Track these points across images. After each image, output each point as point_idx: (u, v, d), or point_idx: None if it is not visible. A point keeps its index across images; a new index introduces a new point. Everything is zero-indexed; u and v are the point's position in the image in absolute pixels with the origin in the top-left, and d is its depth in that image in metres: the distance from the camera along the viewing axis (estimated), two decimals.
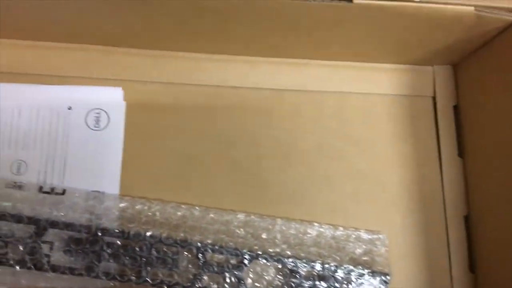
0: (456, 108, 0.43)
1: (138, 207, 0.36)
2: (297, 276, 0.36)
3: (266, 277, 0.36)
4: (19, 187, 0.35)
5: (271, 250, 0.37)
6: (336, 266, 0.36)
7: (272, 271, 0.36)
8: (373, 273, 0.37)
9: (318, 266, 0.36)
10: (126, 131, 0.39)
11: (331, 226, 0.39)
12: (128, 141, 0.39)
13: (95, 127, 0.37)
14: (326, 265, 0.36)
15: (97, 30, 0.38)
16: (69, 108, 0.37)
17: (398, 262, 0.39)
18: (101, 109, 0.37)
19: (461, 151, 0.42)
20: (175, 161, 0.39)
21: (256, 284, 0.36)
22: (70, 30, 0.38)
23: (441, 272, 0.40)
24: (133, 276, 0.34)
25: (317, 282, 0.36)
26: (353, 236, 0.39)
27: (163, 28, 0.37)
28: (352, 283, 0.36)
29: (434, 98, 0.43)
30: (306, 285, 0.36)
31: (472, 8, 0.34)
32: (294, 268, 0.36)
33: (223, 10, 0.34)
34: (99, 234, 0.34)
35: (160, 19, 0.36)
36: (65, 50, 0.40)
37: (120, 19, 0.36)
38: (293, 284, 0.36)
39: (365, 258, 0.38)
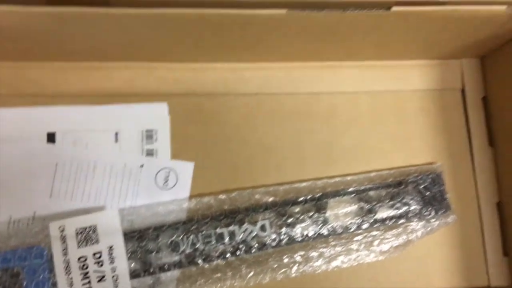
0: (484, 100, 0.45)
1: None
2: None
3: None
4: None
5: None
6: None
7: None
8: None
9: None
10: (172, 142, 0.41)
11: None
12: (176, 153, 0.41)
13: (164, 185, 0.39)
14: None
15: (139, 48, 0.39)
16: (141, 167, 0.39)
17: (434, 248, 0.42)
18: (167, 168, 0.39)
19: (491, 141, 0.44)
20: (221, 169, 0.41)
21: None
22: (113, 50, 0.40)
23: (476, 256, 0.43)
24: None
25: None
26: None
27: (202, 42, 0.39)
28: None
29: (463, 91, 0.45)
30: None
31: (504, 7, 0.35)
32: None
33: (263, 23, 0.35)
34: None
35: (201, 34, 0.37)
36: (109, 68, 0.42)
37: (161, 37, 0.37)
38: None
39: None
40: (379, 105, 0.44)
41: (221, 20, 0.35)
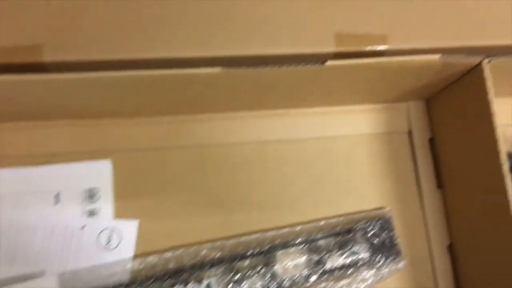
0: (431, 141, 0.45)
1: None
2: None
3: None
4: None
5: None
6: None
7: None
8: None
9: None
10: (116, 200, 0.40)
11: None
12: (120, 210, 0.40)
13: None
14: None
15: (80, 107, 0.39)
16: (82, 228, 0.38)
17: None
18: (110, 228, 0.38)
19: (440, 183, 0.44)
20: (167, 225, 0.40)
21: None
22: (53, 109, 0.39)
23: None
24: None
25: None
26: None
27: (143, 99, 0.38)
28: None
29: (410, 133, 0.46)
30: None
31: (438, 56, 0.36)
32: None
33: (200, 81, 0.35)
34: None
35: (141, 93, 0.37)
36: (50, 127, 0.41)
37: (102, 97, 0.37)
38: None
39: None
40: (327, 151, 0.44)
41: (157, 80, 0.34)
